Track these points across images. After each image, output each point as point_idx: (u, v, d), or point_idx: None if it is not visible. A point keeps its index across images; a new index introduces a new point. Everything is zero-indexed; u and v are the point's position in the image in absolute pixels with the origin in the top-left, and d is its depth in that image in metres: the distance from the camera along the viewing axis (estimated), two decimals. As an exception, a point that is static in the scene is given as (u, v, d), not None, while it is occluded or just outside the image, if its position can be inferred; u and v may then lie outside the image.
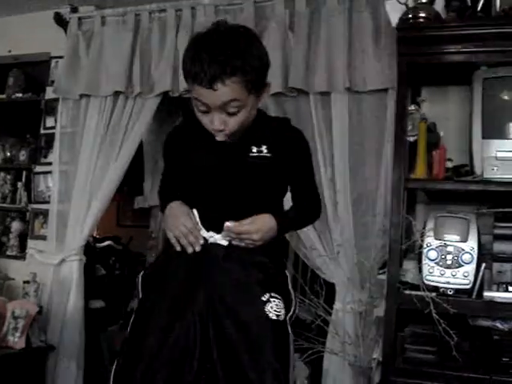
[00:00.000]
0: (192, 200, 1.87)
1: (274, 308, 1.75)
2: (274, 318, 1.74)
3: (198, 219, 1.83)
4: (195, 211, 1.84)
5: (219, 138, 1.75)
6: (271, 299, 1.77)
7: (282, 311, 1.77)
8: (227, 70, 1.62)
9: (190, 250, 1.80)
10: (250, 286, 1.78)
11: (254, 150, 1.81)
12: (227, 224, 1.78)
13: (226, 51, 1.63)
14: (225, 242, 1.81)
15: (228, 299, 1.75)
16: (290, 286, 1.89)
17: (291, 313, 1.83)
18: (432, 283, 2.51)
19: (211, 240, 1.81)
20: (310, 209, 2.04)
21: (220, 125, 1.71)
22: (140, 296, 1.89)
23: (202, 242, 1.80)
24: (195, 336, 1.71)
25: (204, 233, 1.82)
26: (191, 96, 1.73)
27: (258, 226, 1.80)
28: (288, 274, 1.92)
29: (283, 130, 1.89)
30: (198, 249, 1.80)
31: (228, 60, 1.62)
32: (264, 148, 1.81)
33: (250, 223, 1.79)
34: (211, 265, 1.79)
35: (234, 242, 1.80)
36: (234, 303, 1.75)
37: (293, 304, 1.85)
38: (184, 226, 1.80)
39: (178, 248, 1.82)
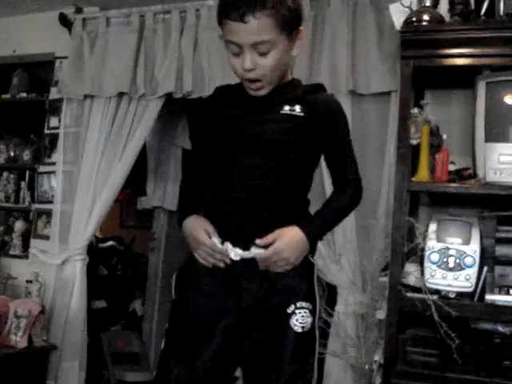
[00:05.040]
0: (222, 174, 1.81)
1: (299, 320, 1.73)
2: (300, 330, 1.73)
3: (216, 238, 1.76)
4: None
5: (250, 75, 1.71)
6: (296, 311, 1.73)
7: (308, 320, 1.75)
8: (258, 2, 1.62)
9: (221, 265, 1.76)
10: (274, 299, 1.74)
11: (287, 108, 1.77)
12: (257, 241, 1.72)
13: None
14: (249, 255, 1.74)
15: (254, 313, 1.73)
16: (315, 284, 1.82)
17: (317, 316, 1.78)
18: (434, 286, 2.51)
19: (235, 258, 1.74)
20: (345, 196, 1.88)
21: (251, 64, 1.68)
22: (174, 297, 1.86)
23: (227, 257, 1.74)
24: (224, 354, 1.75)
25: (227, 247, 1.75)
26: (224, 40, 1.72)
27: (286, 240, 1.74)
28: (314, 261, 1.87)
29: (317, 93, 1.84)
30: (227, 261, 1.74)
31: None
32: (297, 107, 1.77)
33: (276, 236, 1.73)
34: (238, 277, 1.75)
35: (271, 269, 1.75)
36: (260, 318, 1.73)
37: (317, 306, 1.79)
38: (205, 246, 1.75)
39: (208, 264, 1.78)
